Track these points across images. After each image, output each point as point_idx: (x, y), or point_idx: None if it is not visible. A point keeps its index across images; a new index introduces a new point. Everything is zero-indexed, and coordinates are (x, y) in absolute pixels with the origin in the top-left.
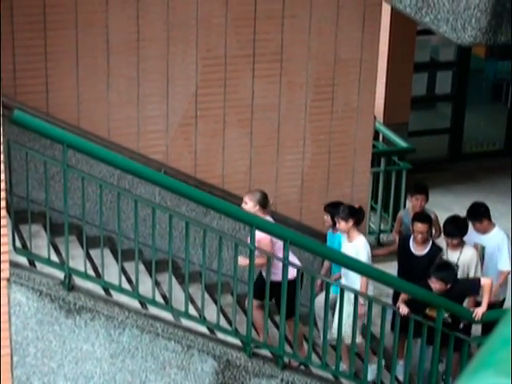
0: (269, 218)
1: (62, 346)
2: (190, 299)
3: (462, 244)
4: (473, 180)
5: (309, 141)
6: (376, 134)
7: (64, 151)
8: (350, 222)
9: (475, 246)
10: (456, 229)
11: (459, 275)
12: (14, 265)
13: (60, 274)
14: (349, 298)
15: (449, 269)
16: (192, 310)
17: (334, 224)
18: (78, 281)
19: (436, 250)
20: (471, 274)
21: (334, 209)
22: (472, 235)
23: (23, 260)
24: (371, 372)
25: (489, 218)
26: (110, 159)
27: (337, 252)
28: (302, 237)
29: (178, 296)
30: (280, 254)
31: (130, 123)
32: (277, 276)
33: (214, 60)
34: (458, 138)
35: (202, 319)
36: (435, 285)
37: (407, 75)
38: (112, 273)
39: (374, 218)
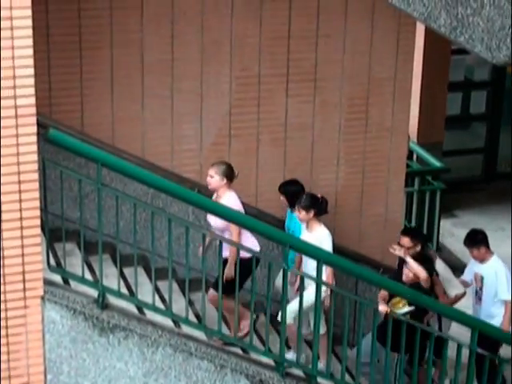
0: (233, 194)
1: (95, 365)
2: (223, 318)
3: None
4: (507, 200)
5: (342, 160)
6: (410, 153)
7: (98, 170)
8: (311, 213)
9: (475, 275)
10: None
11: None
12: (48, 283)
13: (94, 293)
14: (309, 284)
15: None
16: (225, 329)
17: (290, 204)
18: (112, 299)
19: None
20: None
21: (288, 188)
22: (472, 265)
23: (57, 278)
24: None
25: (487, 245)
26: (143, 178)
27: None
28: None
29: (212, 315)
30: (244, 237)
31: (164, 142)
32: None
33: (248, 79)
34: (492, 157)
35: (235, 338)
36: (408, 274)
37: (442, 95)
38: (145, 291)
39: None
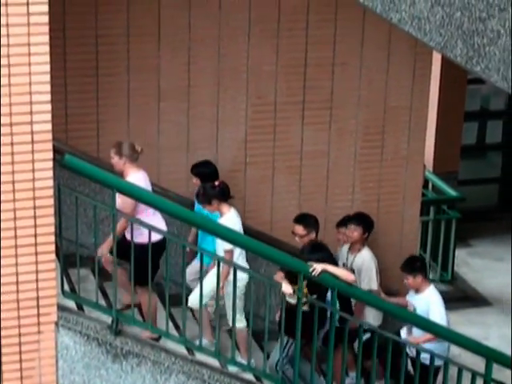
0: (140, 174)
1: None
2: (236, 346)
3: (360, 247)
4: None
5: (358, 188)
6: (426, 182)
7: (113, 196)
8: (215, 203)
9: (409, 305)
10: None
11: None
12: (62, 308)
13: (107, 319)
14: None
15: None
16: (239, 357)
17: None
18: (126, 325)
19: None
20: (364, 281)
21: (201, 169)
22: (410, 293)
23: (71, 304)
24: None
25: (424, 274)
26: (158, 204)
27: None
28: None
29: (225, 342)
30: (142, 216)
31: (180, 169)
32: (139, 238)
33: (264, 107)
34: (508, 186)
35: (249, 366)
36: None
37: (457, 124)
38: (159, 318)
39: None
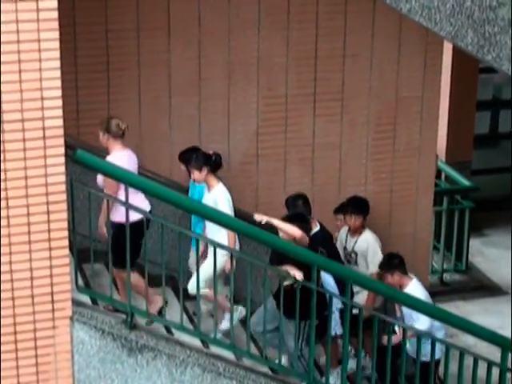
0: (124, 152)
1: None
2: (251, 338)
3: (361, 229)
4: None
5: (370, 179)
6: (438, 172)
7: (126, 190)
8: (204, 171)
9: (396, 304)
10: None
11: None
12: (76, 303)
13: (122, 313)
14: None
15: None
16: (254, 350)
17: (190, 173)
18: (140, 319)
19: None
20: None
21: (187, 156)
22: None
23: (86, 298)
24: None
25: (403, 271)
26: (170, 198)
27: (196, 203)
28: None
29: (240, 335)
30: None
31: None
32: (117, 217)
33: (275, 99)
34: None
35: (264, 359)
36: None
37: (470, 113)
38: (174, 311)
39: (436, 257)
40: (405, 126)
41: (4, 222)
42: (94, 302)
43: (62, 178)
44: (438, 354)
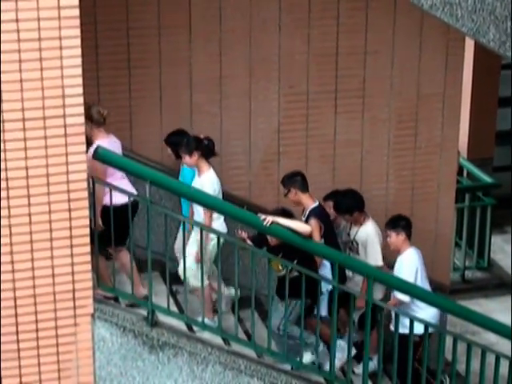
0: (106, 140)
1: (145, 382)
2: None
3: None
4: None
5: (392, 177)
6: (460, 169)
7: (148, 188)
8: (195, 156)
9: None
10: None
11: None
12: (98, 300)
13: (143, 310)
14: (195, 238)
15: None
16: (275, 347)
17: (177, 156)
18: (162, 317)
19: None
20: (370, 257)
21: (173, 138)
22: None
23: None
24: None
25: (407, 234)
26: (192, 195)
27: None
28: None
29: (261, 332)
30: (111, 179)
31: (213, 159)
32: (106, 200)
33: (297, 96)
34: None
35: (285, 356)
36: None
37: (491, 110)
38: (195, 309)
39: (458, 254)
40: (426, 123)
41: (26, 220)
42: (115, 299)
43: (84, 176)
44: (419, 329)
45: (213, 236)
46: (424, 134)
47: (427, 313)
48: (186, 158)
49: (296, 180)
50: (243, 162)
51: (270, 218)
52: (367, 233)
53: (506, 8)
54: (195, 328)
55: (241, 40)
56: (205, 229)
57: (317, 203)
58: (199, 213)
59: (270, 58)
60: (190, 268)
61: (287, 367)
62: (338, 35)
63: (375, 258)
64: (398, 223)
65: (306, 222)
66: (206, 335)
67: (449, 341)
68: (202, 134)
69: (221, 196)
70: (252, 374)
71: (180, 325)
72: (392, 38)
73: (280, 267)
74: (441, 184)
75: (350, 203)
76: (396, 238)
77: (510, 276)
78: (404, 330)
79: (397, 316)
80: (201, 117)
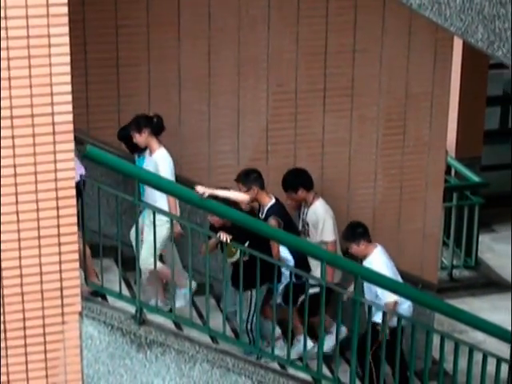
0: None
1: (133, 381)
2: (261, 334)
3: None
4: None
5: (380, 175)
6: (448, 168)
7: (136, 186)
8: (145, 133)
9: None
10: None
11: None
12: (85, 299)
13: (131, 308)
14: (150, 222)
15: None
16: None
17: (131, 151)
18: (149, 315)
19: None
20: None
21: (123, 132)
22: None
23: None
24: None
25: (367, 239)
26: (180, 194)
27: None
28: None
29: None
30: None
31: (201, 158)
32: None
33: (285, 95)
34: None
35: (273, 355)
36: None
37: (480, 109)
38: (183, 307)
39: (446, 252)
40: (414, 121)
41: (13, 218)
42: (103, 297)
43: (72, 174)
44: (393, 321)
45: (167, 219)
46: (412, 132)
47: (401, 307)
48: (136, 137)
49: (256, 178)
50: (232, 160)
51: (207, 191)
52: (315, 212)
53: (494, 8)
54: (183, 326)
55: (230, 38)
56: (157, 211)
57: (273, 200)
58: (153, 195)
59: (258, 57)
60: (147, 255)
61: (275, 366)
62: (327, 34)
63: (327, 235)
64: (354, 233)
65: (265, 220)
66: (194, 333)
67: (436, 339)
68: (152, 113)
69: (174, 177)
70: (240, 372)
71: (168, 323)
72: (381, 36)
73: (233, 250)
74: (429, 183)
75: (292, 180)
76: (357, 248)
77: (497, 275)
78: (377, 319)
79: (370, 308)
80: (189, 115)
